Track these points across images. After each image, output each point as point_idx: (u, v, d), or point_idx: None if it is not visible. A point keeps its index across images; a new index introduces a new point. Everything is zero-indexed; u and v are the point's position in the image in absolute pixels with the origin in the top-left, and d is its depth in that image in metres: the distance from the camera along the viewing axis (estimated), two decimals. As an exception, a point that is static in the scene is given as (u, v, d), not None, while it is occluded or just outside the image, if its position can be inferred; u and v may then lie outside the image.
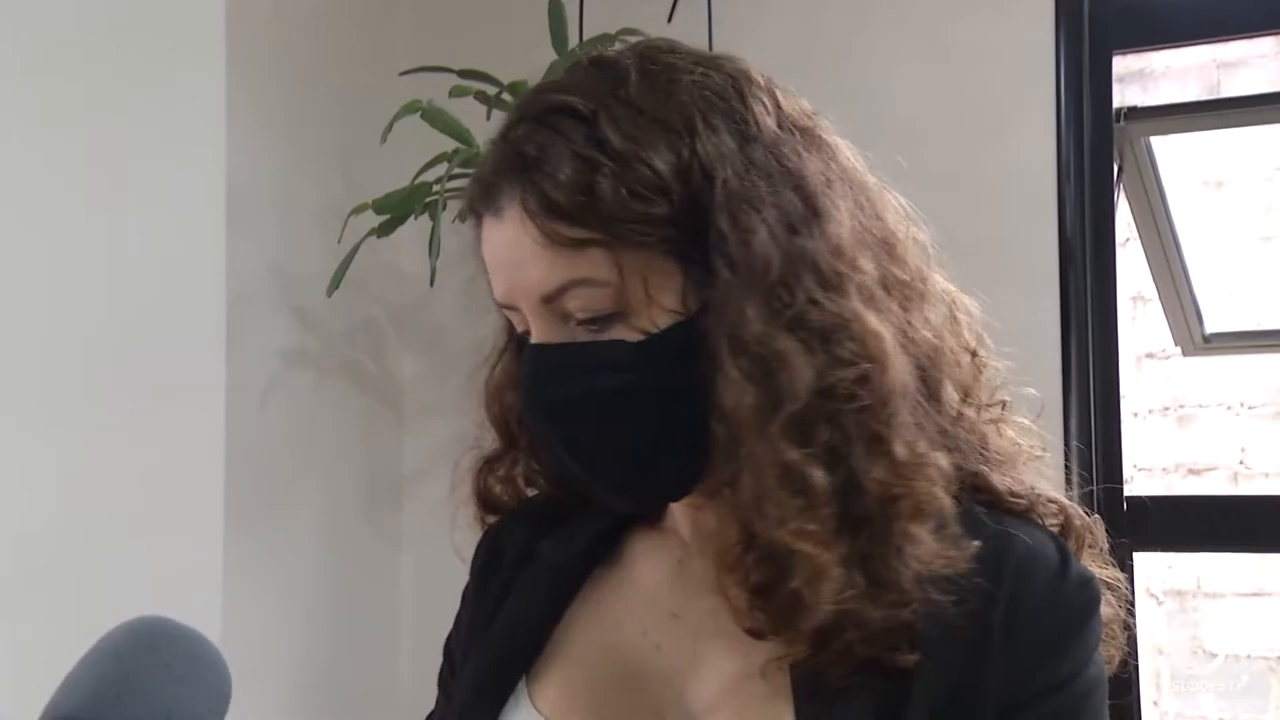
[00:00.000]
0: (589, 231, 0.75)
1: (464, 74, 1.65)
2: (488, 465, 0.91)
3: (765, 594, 0.75)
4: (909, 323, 0.79)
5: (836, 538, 0.74)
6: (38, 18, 1.76)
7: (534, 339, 0.79)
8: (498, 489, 0.91)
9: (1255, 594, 2.55)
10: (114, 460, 1.71)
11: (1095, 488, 1.74)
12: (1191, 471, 2.60)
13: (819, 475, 0.73)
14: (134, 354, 1.71)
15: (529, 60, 1.69)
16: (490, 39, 1.94)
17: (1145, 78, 2.22)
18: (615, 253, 0.75)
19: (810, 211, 0.77)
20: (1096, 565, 0.83)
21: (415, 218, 1.67)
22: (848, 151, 0.82)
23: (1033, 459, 0.85)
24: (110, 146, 1.73)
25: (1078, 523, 0.84)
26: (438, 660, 0.96)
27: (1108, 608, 0.82)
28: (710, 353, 0.75)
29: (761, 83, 0.81)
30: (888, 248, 0.80)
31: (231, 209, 1.69)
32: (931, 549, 0.74)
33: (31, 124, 1.76)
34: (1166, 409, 2.61)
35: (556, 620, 0.87)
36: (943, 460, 0.76)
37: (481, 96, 1.62)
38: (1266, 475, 2.54)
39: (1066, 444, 1.72)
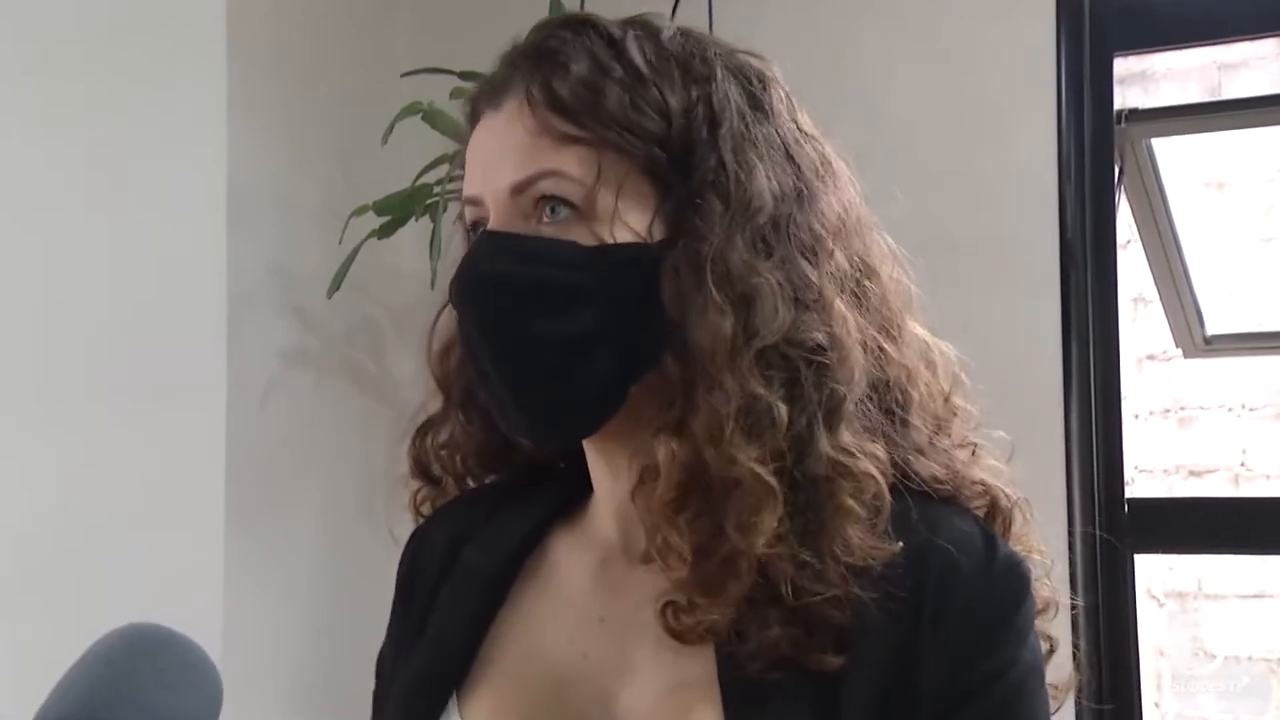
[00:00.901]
0: (581, 130, 0.77)
1: (465, 75, 1.64)
2: (425, 427, 0.90)
3: (700, 556, 0.75)
4: (876, 339, 0.80)
5: (783, 496, 0.74)
6: (38, 18, 1.76)
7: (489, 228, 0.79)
8: (434, 466, 0.90)
9: (1256, 595, 2.55)
10: (114, 460, 1.71)
11: (1096, 489, 1.74)
12: (1192, 473, 2.60)
13: (783, 412, 0.74)
14: (134, 354, 1.71)
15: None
16: (491, 39, 1.94)
17: (1146, 79, 2.22)
18: (599, 154, 0.77)
19: (801, 187, 0.79)
20: (1024, 544, 0.83)
21: (416, 219, 1.67)
22: (848, 177, 0.84)
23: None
24: (110, 146, 1.72)
25: (1004, 504, 0.83)
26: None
27: (1044, 589, 0.82)
28: (684, 281, 0.76)
29: (784, 86, 0.84)
30: (868, 270, 0.82)
31: (232, 209, 1.69)
32: (861, 536, 0.74)
33: (31, 124, 1.76)
34: (1167, 411, 2.61)
35: (485, 630, 0.85)
36: (880, 451, 0.77)
37: (482, 98, 1.62)
38: (1268, 477, 2.54)
39: (1068, 445, 1.72)
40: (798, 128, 0.82)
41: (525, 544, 0.87)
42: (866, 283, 0.81)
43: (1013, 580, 0.77)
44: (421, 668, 0.86)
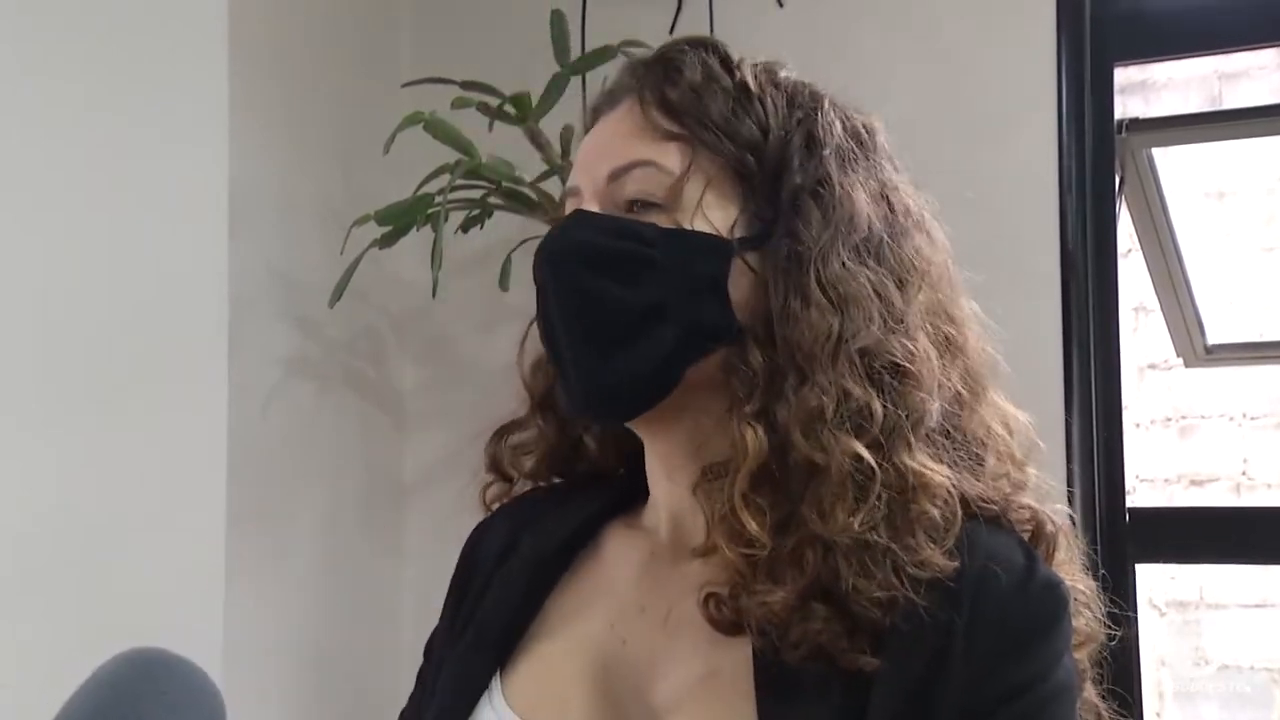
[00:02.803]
0: (681, 128, 0.83)
1: (466, 85, 1.64)
2: (505, 429, 0.96)
3: (779, 531, 0.77)
4: (955, 387, 0.82)
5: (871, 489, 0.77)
6: (38, 18, 1.76)
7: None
8: (507, 464, 0.95)
9: (1258, 605, 2.54)
10: (114, 462, 1.71)
11: (1097, 499, 1.74)
12: (1194, 483, 2.60)
13: (879, 409, 0.77)
14: (135, 355, 1.71)
15: (531, 71, 1.69)
16: (492, 49, 1.94)
17: (1147, 89, 2.22)
18: (693, 150, 0.82)
19: (891, 224, 0.84)
20: (1068, 574, 0.84)
21: (418, 229, 1.66)
22: (939, 237, 0.88)
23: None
24: (111, 147, 1.72)
25: (1049, 529, 0.85)
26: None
27: (1081, 620, 0.83)
28: (778, 278, 0.80)
29: (888, 143, 0.90)
30: (951, 321, 0.85)
31: (234, 212, 1.69)
32: (930, 546, 0.76)
33: (31, 124, 1.75)
34: (1169, 420, 2.61)
35: (533, 615, 0.89)
36: (947, 472, 0.79)
37: (484, 108, 1.63)
38: (1269, 486, 2.54)
39: (1069, 454, 1.72)
40: (896, 174, 0.88)
41: (577, 535, 0.92)
42: (949, 330, 0.84)
43: (1049, 600, 0.79)
44: (470, 645, 0.90)
